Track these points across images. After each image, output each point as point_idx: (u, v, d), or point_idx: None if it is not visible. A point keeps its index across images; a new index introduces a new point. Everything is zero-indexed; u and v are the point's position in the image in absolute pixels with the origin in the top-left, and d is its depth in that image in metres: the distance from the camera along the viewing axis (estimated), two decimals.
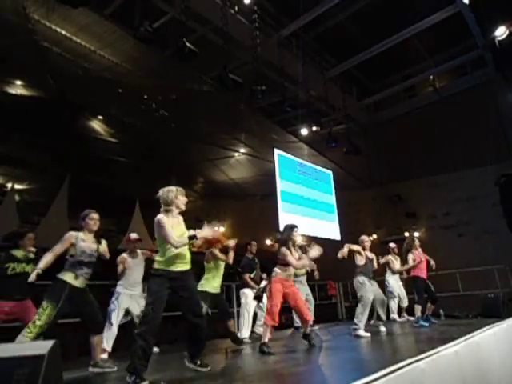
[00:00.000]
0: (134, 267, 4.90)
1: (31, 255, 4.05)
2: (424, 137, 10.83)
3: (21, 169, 14.80)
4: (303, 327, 4.54)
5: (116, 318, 4.61)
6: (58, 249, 3.44)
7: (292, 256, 4.38)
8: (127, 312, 4.80)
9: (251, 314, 5.76)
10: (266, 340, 4.17)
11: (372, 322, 6.01)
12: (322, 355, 3.97)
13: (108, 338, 4.49)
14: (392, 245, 7.54)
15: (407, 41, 9.49)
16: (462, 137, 10.14)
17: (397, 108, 11.92)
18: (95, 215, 3.64)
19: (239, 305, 7.12)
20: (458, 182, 11.23)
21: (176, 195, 3.20)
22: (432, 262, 6.42)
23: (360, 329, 5.09)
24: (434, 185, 11.76)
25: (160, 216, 3.10)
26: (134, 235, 5.11)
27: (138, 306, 4.71)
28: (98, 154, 13.76)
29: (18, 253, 4.00)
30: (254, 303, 5.78)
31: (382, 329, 5.36)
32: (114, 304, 4.67)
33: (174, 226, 3.10)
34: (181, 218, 3.27)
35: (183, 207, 3.26)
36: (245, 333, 5.62)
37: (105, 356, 4.32)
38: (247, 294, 5.77)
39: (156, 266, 3.11)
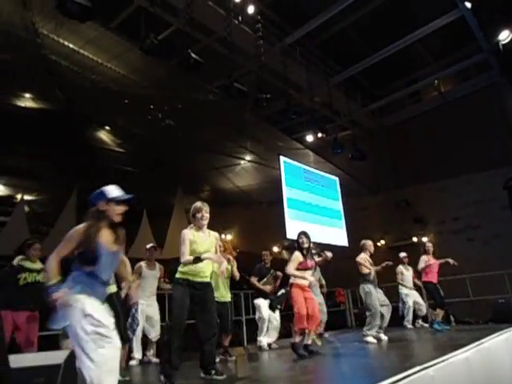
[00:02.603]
0: (149, 277, 4.98)
1: (40, 265, 4.11)
2: (430, 141, 10.79)
3: (30, 180, 14.97)
4: (307, 334, 4.50)
5: (141, 328, 4.77)
6: None
7: (292, 264, 4.44)
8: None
9: (266, 323, 5.67)
10: (297, 340, 4.23)
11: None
12: (331, 362, 3.95)
13: (136, 348, 4.76)
14: (402, 254, 7.42)
15: (411, 46, 9.50)
16: (468, 141, 10.09)
17: (402, 113, 11.91)
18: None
19: (246, 313, 7.11)
20: (465, 187, 11.15)
21: (194, 212, 3.36)
22: (451, 261, 6.40)
23: (369, 335, 5.08)
24: (441, 189, 11.70)
25: (184, 230, 3.28)
26: (149, 245, 5.23)
27: (157, 314, 4.98)
28: (105, 164, 13.90)
29: (28, 263, 4.08)
30: (267, 313, 5.68)
31: (383, 337, 5.31)
32: (136, 317, 4.76)
33: (198, 240, 3.24)
34: (211, 233, 3.41)
35: (200, 223, 3.34)
36: (263, 341, 5.60)
37: (135, 363, 4.67)
38: (259, 306, 5.71)
39: (178, 275, 3.23)
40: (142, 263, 4.99)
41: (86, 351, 1.91)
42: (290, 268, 4.38)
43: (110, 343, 1.98)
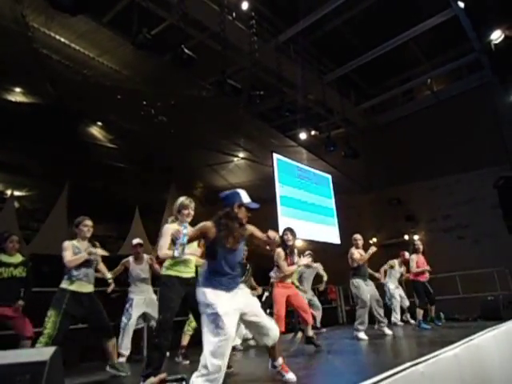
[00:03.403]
0: (139, 272, 4.93)
1: (18, 259, 4.02)
2: (422, 140, 10.86)
3: (20, 175, 14.78)
4: (305, 330, 4.57)
5: (132, 323, 4.68)
6: (68, 256, 3.45)
7: (284, 260, 4.43)
8: (143, 317, 4.85)
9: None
10: None
11: (376, 326, 5.98)
12: (323, 359, 3.97)
13: (124, 343, 4.59)
14: (406, 254, 7.32)
15: (404, 45, 9.53)
16: (459, 139, 10.17)
17: (395, 111, 11.95)
18: (89, 222, 3.63)
19: None
20: (456, 185, 11.25)
21: (180, 208, 3.26)
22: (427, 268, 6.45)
23: (361, 331, 5.11)
24: (432, 188, 11.79)
25: (167, 224, 3.19)
26: (135, 241, 5.14)
27: (154, 311, 4.80)
28: (97, 160, 13.78)
29: (5, 257, 3.95)
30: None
31: (388, 331, 5.35)
32: (129, 311, 4.71)
33: None
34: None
35: (184, 220, 3.25)
36: (236, 340, 5.51)
37: (123, 360, 4.47)
38: None
39: (166, 272, 3.13)
40: (130, 258, 4.96)
41: (206, 336, 2.26)
42: (284, 267, 4.40)
43: (223, 331, 2.22)
